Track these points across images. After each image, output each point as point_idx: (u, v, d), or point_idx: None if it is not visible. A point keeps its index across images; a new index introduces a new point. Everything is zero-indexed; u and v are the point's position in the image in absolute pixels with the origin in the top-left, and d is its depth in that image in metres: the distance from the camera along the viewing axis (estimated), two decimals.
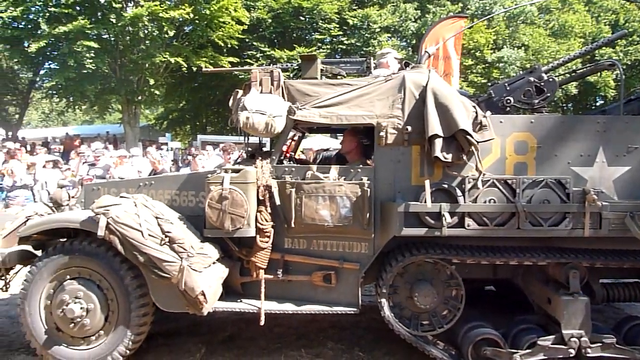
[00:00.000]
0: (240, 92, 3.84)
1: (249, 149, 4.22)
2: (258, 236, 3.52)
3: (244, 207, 3.43)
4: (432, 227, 3.32)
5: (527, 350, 3.45)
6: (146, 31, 20.05)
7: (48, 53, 20.20)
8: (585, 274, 3.52)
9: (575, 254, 3.45)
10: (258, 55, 23.37)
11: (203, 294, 3.36)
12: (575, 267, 3.48)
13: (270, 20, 23.06)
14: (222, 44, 21.07)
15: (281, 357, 3.89)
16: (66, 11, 18.16)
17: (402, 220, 3.32)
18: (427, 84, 3.39)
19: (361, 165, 3.58)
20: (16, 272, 4.12)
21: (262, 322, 3.55)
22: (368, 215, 3.42)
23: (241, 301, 3.68)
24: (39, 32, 18.40)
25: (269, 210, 3.54)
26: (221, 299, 3.66)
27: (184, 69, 20.07)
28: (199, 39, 20.92)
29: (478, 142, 3.27)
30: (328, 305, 3.61)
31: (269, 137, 3.78)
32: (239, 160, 4.45)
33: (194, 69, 20.07)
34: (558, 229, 3.31)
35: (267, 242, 3.55)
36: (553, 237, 3.44)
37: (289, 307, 3.61)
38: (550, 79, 3.55)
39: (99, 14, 18.84)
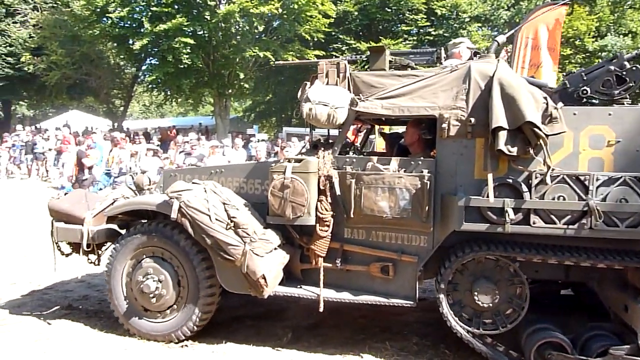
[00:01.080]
0: (308, 84, 3.93)
1: (319, 139, 4.30)
2: (318, 225, 3.60)
3: (304, 196, 3.52)
4: (494, 223, 3.20)
5: (598, 359, 3.22)
6: (237, 27, 20.91)
7: (149, 50, 21.53)
8: None
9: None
10: (344, 48, 23.50)
11: (264, 278, 3.52)
12: None
13: (356, 13, 23.07)
14: (309, 38, 21.49)
15: (365, 347, 3.86)
16: (166, 10, 19.38)
17: (462, 214, 3.22)
18: (493, 74, 3.25)
19: (422, 158, 3.52)
20: (107, 248, 4.56)
21: (321, 309, 3.64)
22: (427, 208, 3.37)
23: (301, 287, 3.79)
24: (142, 30, 19.69)
25: (329, 200, 3.60)
26: (282, 284, 3.80)
27: (272, 62, 20.75)
28: (287, 33, 21.50)
29: (547, 136, 3.09)
30: (385, 296, 3.61)
31: (332, 128, 3.83)
32: (303, 151, 4.56)
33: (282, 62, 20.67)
34: (637, 230, 3.04)
35: (326, 231, 3.62)
36: (633, 240, 3.16)
37: (346, 296, 3.66)
38: (634, 68, 3.24)
39: (195, 11, 19.81)
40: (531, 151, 3.11)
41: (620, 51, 3.80)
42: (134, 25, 20.51)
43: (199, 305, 3.82)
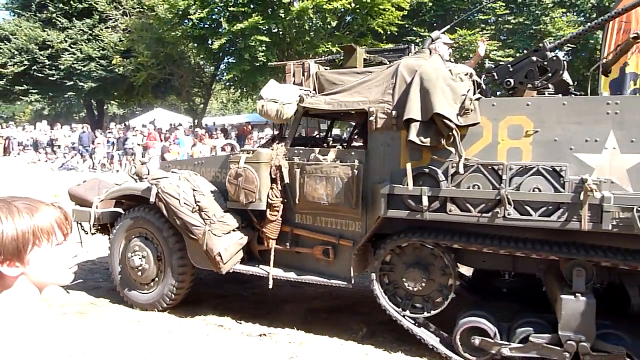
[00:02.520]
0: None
1: (277, 133, 4.72)
2: (269, 210, 4.05)
3: (254, 184, 3.98)
4: (414, 210, 3.43)
5: (519, 345, 3.34)
6: (311, 23, 21.58)
7: (227, 49, 22.96)
8: (593, 272, 3.23)
9: (578, 250, 3.20)
10: (417, 41, 23.33)
11: (220, 255, 4.04)
12: (581, 265, 3.22)
13: (430, 4, 22.77)
14: (382, 31, 21.65)
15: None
16: (243, 10, 20.56)
17: (386, 202, 3.50)
18: (417, 69, 3.48)
19: (355, 149, 3.82)
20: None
21: (270, 286, 4.09)
22: (357, 195, 3.67)
23: (258, 266, 4.26)
24: (220, 30, 21.15)
25: (280, 188, 4.03)
26: (244, 263, 4.30)
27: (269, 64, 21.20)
28: (360, 28, 21.85)
29: (459, 127, 3.26)
30: (328, 277, 3.97)
31: (281, 122, 4.24)
32: (263, 143, 5.01)
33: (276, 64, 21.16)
34: (549, 220, 3.13)
35: (276, 216, 4.05)
36: (565, 231, 3.22)
37: (292, 275, 4.07)
38: (555, 58, 3.28)
39: (270, 10, 20.74)
40: (443, 142, 3.30)
41: (544, 41, 3.81)
42: (213, 25, 22.02)
43: (174, 278, 4.44)
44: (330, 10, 20.13)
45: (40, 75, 21.68)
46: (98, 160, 20.70)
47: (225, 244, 4.08)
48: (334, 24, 21.52)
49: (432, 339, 3.64)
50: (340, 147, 4.73)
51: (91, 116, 26.05)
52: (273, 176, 4.03)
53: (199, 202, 4.17)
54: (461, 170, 3.27)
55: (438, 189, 3.36)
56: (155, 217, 4.48)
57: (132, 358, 3.68)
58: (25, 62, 21.34)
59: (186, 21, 21.77)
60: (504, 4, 21.15)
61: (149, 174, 5.11)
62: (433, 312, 3.62)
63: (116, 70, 22.57)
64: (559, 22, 20.23)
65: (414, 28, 23.15)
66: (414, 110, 3.33)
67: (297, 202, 3.97)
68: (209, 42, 22.57)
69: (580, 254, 3.18)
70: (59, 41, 21.44)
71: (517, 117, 3.27)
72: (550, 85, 3.36)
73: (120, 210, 5.05)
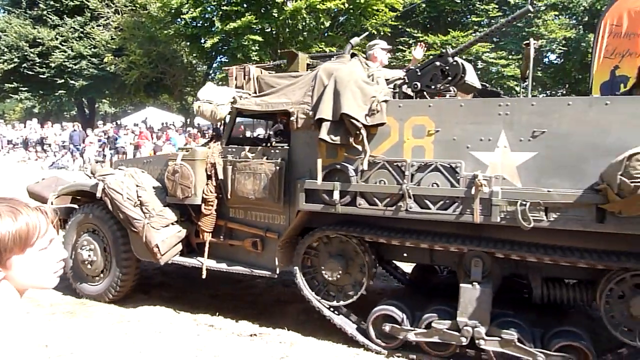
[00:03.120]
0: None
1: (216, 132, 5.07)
2: (203, 205, 4.39)
3: (189, 180, 4.32)
4: (328, 204, 3.76)
5: (423, 330, 3.65)
6: (304, 23, 21.86)
7: (220, 48, 23.20)
8: (490, 263, 3.54)
9: (473, 241, 3.51)
10: (411, 42, 23.66)
11: (157, 247, 4.38)
12: (478, 256, 3.54)
13: (424, 5, 23.11)
14: (375, 32, 21.94)
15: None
16: (236, 9, 20.85)
17: (303, 196, 3.83)
18: (334, 73, 3.80)
19: (279, 147, 4.15)
20: None
21: (203, 276, 4.44)
22: (279, 190, 4.00)
23: (195, 258, 4.60)
24: (213, 29, 21.36)
25: (214, 184, 4.37)
26: (184, 255, 4.64)
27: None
28: (353, 28, 22.14)
29: (366, 126, 3.58)
30: (257, 268, 4.30)
31: (215, 122, 4.58)
32: (204, 142, 5.36)
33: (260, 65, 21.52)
34: (446, 213, 3.44)
35: (210, 210, 4.39)
36: (476, 225, 3.49)
37: (223, 266, 4.42)
38: (455, 63, 3.59)
39: (263, 9, 20.96)
40: (352, 140, 3.63)
41: (447, 47, 4.12)
42: (206, 24, 22.24)
43: (120, 271, 4.78)
44: (324, 10, 20.45)
45: (30, 72, 22.15)
46: (88, 158, 21.11)
47: (163, 236, 4.42)
48: (327, 24, 21.84)
49: (350, 327, 3.96)
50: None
51: (82, 115, 26.54)
52: (208, 173, 4.37)
53: (140, 197, 4.52)
54: (365, 166, 3.59)
55: (348, 184, 3.68)
56: (103, 212, 4.83)
57: (121, 358, 3.77)
58: (15, 60, 21.81)
59: (179, 20, 22.07)
60: (496, 6, 21.49)
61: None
62: (344, 302, 3.95)
63: (108, 68, 22.99)
64: (552, 24, 20.52)
65: (407, 29, 23.55)
66: (325, 110, 3.65)
67: (229, 197, 4.31)
68: (202, 41, 22.85)
69: (474, 245, 3.49)
70: (50, 39, 21.89)
71: (420, 117, 3.58)
72: (452, 89, 3.67)
73: (75, 206, 5.41)
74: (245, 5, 21.47)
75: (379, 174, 3.63)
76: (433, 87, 3.67)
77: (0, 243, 1.16)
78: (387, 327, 3.76)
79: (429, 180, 3.49)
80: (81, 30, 22.64)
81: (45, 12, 22.02)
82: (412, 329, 3.69)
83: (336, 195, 3.67)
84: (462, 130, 3.47)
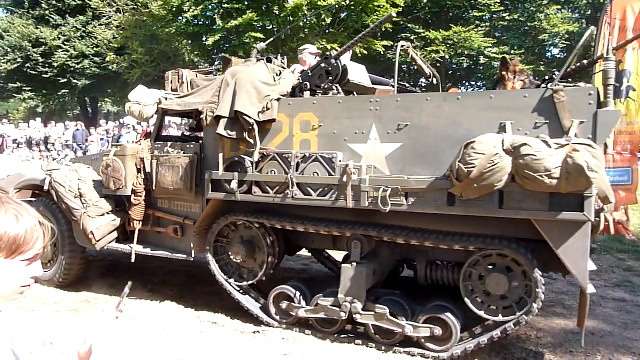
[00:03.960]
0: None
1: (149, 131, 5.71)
2: (133, 195, 5.02)
3: (120, 173, 4.97)
4: (229, 192, 4.35)
5: (311, 307, 4.21)
6: (305, 20, 22.35)
7: (221, 46, 23.71)
8: (367, 245, 4.09)
9: (353, 226, 4.06)
10: (412, 38, 24.00)
11: (92, 234, 5.04)
12: (357, 239, 4.08)
13: (425, 1, 23.45)
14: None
15: None
16: (237, 6, 21.44)
17: (209, 186, 4.43)
18: (237, 75, 4.38)
19: (194, 142, 4.77)
20: None
21: (132, 260, 5.08)
22: (192, 181, 4.61)
23: (128, 244, 5.24)
24: (214, 27, 22.10)
25: (143, 177, 5.00)
26: (120, 242, 5.29)
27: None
28: (354, 25, 22.58)
29: (259, 122, 4.16)
30: (179, 253, 4.92)
31: (143, 121, 5.21)
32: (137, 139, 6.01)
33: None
34: (324, 199, 4.00)
35: (139, 201, 5.02)
36: (362, 211, 4.03)
37: (148, 251, 5.06)
38: (336, 64, 4.15)
39: (264, 7, 21.56)
40: (246, 135, 4.20)
41: (331, 50, 4.65)
42: (207, 22, 23.02)
43: (65, 259, 5.47)
44: (325, 7, 20.96)
45: (33, 72, 23.29)
46: None
47: (98, 224, 5.08)
48: (328, 20, 22.32)
49: (255, 308, 4.56)
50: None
51: (85, 114, 27.71)
52: (138, 167, 5.01)
53: (80, 189, 5.19)
54: (256, 158, 4.17)
55: (245, 174, 4.27)
56: (51, 204, 5.51)
57: (125, 355, 4.26)
58: (19, 60, 22.99)
59: (180, 18, 22.77)
60: (499, 1, 21.73)
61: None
62: (246, 284, 4.55)
63: (110, 67, 23.97)
64: (554, 19, 20.67)
65: (409, 25, 23.89)
66: (224, 108, 4.24)
67: (154, 188, 4.93)
68: (204, 39, 23.52)
69: (354, 229, 4.04)
70: (53, 38, 22.97)
71: (306, 114, 4.14)
72: (335, 87, 4.22)
73: (33, 199, 6.12)
74: (246, 3, 22.02)
75: (271, 165, 4.21)
76: (318, 86, 4.22)
77: None
78: (283, 305, 4.34)
79: (311, 170, 4.05)
80: (83, 29, 23.68)
81: (47, 12, 23.14)
82: (303, 306, 4.25)
83: (234, 184, 4.27)
84: (340, 124, 4.02)
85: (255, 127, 4.15)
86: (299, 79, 4.42)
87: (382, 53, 23.21)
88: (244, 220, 4.48)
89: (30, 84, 24.15)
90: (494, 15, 22.55)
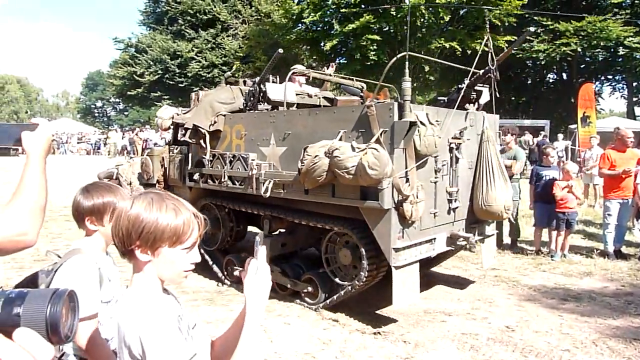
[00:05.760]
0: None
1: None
2: (157, 184, 7.84)
3: (150, 168, 7.82)
4: (196, 182, 6.90)
5: (240, 269, 6.57)
6: (423, 19, 23.93)
7: (338, 50, 26.52)
8: (273, 223, 6.34)
9: (267, 208, 6.34)
10: (539, 31, 24.20)
11: None
12: (267, 218, 6.38)
13: None
14: (499, 23, 23.18)
15: None
16: (354, 10, 23.71)
17: (187, 178, 7.04)
18: (204, 96, 6.93)
19: (183, 146, 7.42)
20: None
21: None
22: (181, 174, 7.25)
23: None
24: (332, 32, 24.89)
25: (163, 171, 7.80)
26: None
27: (458, 52, 23.09)
28: (475, 21, 23.75)
29: (210, 132, 6.63)
30: None
31: (164, 131, 8.00)
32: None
33: (469, 52, 23.16)
34: (242, 188, 6.33)
35: (160, 187, 7.82)
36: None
37: None
38: (256, 88, 6.45)
39: (381, 9, 23.71)
40: (201, 141, 6.70)
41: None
42: (325, 27, 25.92)
43: None
44: (444, 4, 22.37)
45: (171, 82, 28.48)
46: None
47: None
48: (447, 18, 23.69)
49: (217, 269, 7.05)
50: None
51: None
52: (161, 164, 7.80)
53: (130, 178, 8.17)
54: (208, 158, 6.66)
55: (201, 168, 6.79)
56: None
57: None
58: (159, 71, 28.34)
59: (300, 25, 26.14)
60: None
61: None
62: (212, 248, 7.06)
63: (236, 75, 28.23)
64: None
65: (535, 18, 24.14)
66: (189, 121, 6.82)
67: (168, 179, 7.67)
68: (322, 44, 26.36)
69: (264, 210, 6.33)
70: (187, 51, 27.84)
71: (239, 125, 6.54)
72: (263, 103, 6.51)
73: None
74: (363, 6, 24.20)
75: (217, 163, 6.68)
76: (246, 104, 6.60)
77: (159, 232, 1.47)
78: (229, 268, 6.77)
79: (237, 166, 6.43)
80: (213, 41, 28.24)
81: (183, 27, 28.10)
82: (239, 268, 6.59)
83: (196, 176, 6.83)
84: (256, 132, 6.35)
85: (207, 135, 6.67)
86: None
87: (505, 49, 23.82)
88: (206, 203, 7.01)
89: (168, 93, 29.47)
90: (636, 1, 22.04)
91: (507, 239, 8.71)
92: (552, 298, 6.09)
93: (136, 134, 27.80)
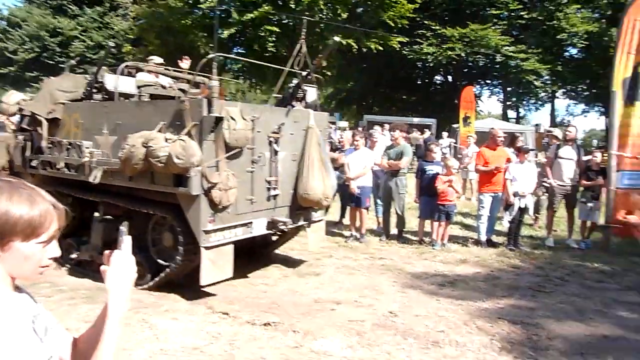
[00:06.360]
0: None
1: None
2: None
3: None
4: (35, 169, 6.66)
5: (80, 252, 6.45)
6: (321, 15, 24.01)
7: (237, 39, 26.22)
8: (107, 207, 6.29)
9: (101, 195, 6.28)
10: (428, 34, 25.53)
11: None
12: (101, 203, 6.35)
13: None
14: (393, 24, 24.08)
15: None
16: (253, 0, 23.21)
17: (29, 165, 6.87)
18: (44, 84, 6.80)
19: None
20: None
21: None
22: (23, 160, 7.06)
23: None
24: (230, 20, 24.26)
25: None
26: None
27: (354, 50, 23.58)
28: (370, 20, 24.37)
29: (47, 119, 6.46)
30: None
31: (6, 116, 7.79)
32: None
33: (364, 50, 23.90)
34: (77, 174, 6.12)
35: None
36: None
37: None
38: (92, 79, 6.44)
39: (280, 0, 23.81)
40: (38, 128, 6.57)
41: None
42: (223, 15, 24.98)
43: None
44: (341, 2, 22.76)
45: (50, 62, 26.99)
46: None
47: None
48: (344, 15, 24.05)
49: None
50: None
51: None
52: (7, 150, 7.44)
53: None
54: (44, 144, 6.49)
55: (40, 155, 6.57)
56: None
57: (139, 343, 4.36)
58: (36, 49, 26.74)
59: (196, 10, 25.36)
60: None
61: None
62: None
63: (126, 58, 27.16)
64: (573, 18, 21.61)
65: (425, 22, 25.49)
66: (28, 108, 6.62)
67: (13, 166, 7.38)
68: (219, 31, 25.96)
69: (99, 197, 6.30)
70: (70, 28, 26.54)
71: (76, 114, 6.26)
72: (95, 96, 6.49)
73: None
74: None
75: (55, 150, 6.45)
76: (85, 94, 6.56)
77: (9, 225, 1.30)
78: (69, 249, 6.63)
79: (73, 153, 6.32)
80: (100, 20, 27.08)
81: (65, 2, 26.77)
82: (79, 252, 6.39)
83: (35, 163, 6.65)
84: (90, 122, 6.01)
85: (44, 122, 6.51)
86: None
87: (398, 49, 24.99)
88: (48, 190, 6.89)
89: (46, 73, 27.82)
90: (512, 14, 23.75)
91: (394, 230, 9.26)
92: (431, 284, 6.56)
93: None
